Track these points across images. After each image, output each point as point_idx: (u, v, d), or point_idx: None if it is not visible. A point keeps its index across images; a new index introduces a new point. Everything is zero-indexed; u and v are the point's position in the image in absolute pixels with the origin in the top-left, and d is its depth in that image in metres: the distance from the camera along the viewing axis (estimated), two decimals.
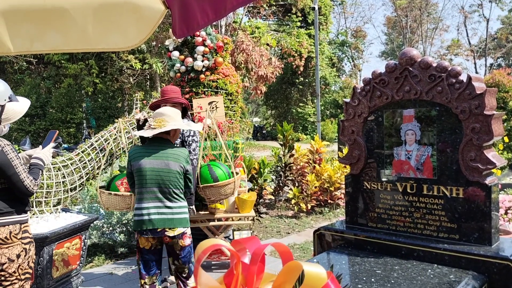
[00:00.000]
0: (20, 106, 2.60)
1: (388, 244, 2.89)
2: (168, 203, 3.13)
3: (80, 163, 4.07)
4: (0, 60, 17.22)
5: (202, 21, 1.83)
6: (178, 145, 3.87)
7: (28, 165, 2.67)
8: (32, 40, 2.10)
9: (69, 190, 3.97)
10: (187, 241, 3.21)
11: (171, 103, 3.76)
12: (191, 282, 3.27)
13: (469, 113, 2.68)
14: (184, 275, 3.25)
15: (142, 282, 3.19)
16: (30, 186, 2.49)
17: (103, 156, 4.19)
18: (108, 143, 4.26)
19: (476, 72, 38.28)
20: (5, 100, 2.50)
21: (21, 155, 2.78)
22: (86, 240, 3.92)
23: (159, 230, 3.08)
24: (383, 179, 3.09)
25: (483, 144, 2.65)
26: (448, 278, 2.42)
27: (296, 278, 1.07)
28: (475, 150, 2.68)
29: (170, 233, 3.11)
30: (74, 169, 4.02)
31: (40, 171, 2.65)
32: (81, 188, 4.12)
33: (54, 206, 3.87)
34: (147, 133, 3.13)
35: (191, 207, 3.85)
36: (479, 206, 2.69)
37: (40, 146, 2.81)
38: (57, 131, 2.92)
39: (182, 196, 3.22)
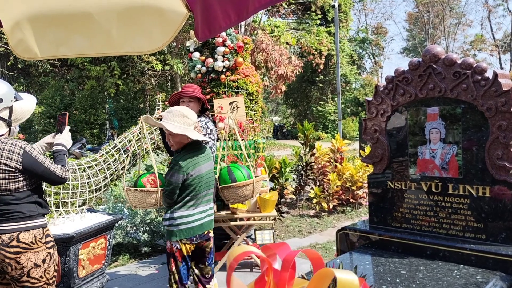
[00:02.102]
0: (28, 105, 2.56)
1: (413, 244, 2.85)
2: (211, 204, 3.21)
3: (104, 164, 4.14)
4: (25, 64, 17.63)
5: (224, 24, 1.84)
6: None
7: (52, 153, 2.67)
8: (58, 45, 2.14)
9: (94, 190, 4.04)
10: (212, 241, 3.28)
11: (188, 97, 3.78)
12: (212, 285, 3.26)
13: (496, 111, 2.62)
14: (208, 277, 3.23)
15: None
16: (62, 174, 2.51)
17: (127, 157, 4.25)
18: (132, 144, 4.32)
19: (501, 68, 37.44)
20: (11, 100, 2.47)
21: (39, 144, 2.77)
22: (111, 240, 3.98)
23: (205, 233, 3.12)
24: (407, 178, 3.05)
25: (510, 142, 2.59)
26: (475, 279, 2.38)
27: (327, 285, 1.07)
28: (502, 148, 2.62)
29: (211, 233, 3.18)
30: (99, 170, 4.09)
31: (65, 156, 2.64)
32: (105, 188, 4.19)
33: (79, 206, 3.95)
34: (199, 136, 3.07)
35: None
36: (506, 205, 2.64)
37: (54, 134, 2.77)
38: (67, 113, 2.87)
39: None
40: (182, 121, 3.01)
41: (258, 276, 1.16)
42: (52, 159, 2.61)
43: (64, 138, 2.72)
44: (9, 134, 2.52)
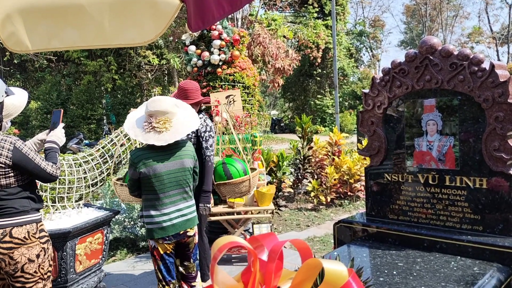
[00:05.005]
0: (19, 100, 2.52)
1: (410, 236, 2.85)
2: (186, 203, 3.03)
3: (100, 158, 4.12)
4: (22, 59, 17.54)
5: (218, 14, 1.82)
6: (192, 140, 3.74)
7: (44, 150, 2.64)
8: (49, 38, 2.12)
9: (90, 185, 4.02)
10: (197, 238, 3.17)
11: (195, 104, 3.61)
12: (197, 282, 3.19)
13: (492, 102, 2.61)
14: (194, 275, 3.16)
15: None
16: (53, 171, 2.48)
17: (123, 151, 4.23)
18: (128, 139, 4.29)
19: (498, 60, 37.44)
20: (2, 96, 2.43)
21: (33, 141, 2.75)
22: (108, 235, 3.97)
23: (181, 232, 2.99)
24: (404, 171, 3.04)
25: (507, 133, 2.58)
26: (472, 271, 2.38)
27: (315, 275, 1.05)
28: (499, 139, 2.61)
29: (191, 233, 3.05)
30: (95, 164, 4.07)
31: (57, 153, 2.61)
32: (102, 183, 4.17)
33: (76, 201, 3.93)
34: (154, 139, 2.80)
35: (207, 205, 3.67)
36: (503, 196, 2.63)
37: (48, 131, 2.74)
38: (62, 110, 2.83)
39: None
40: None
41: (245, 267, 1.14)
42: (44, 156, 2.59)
43: (57, 136, 2.69)
44: (0, 129, 2.50)
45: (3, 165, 2.37)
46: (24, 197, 2.47)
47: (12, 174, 2.41)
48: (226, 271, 1.17)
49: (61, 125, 2.75)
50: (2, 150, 2.37)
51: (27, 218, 2.45)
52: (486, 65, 2.64)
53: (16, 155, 2.39)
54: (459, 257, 2.59)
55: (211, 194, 3.92)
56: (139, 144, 4.32)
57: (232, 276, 1.16)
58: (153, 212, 2.93)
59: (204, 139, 3.72)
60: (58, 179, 3.77)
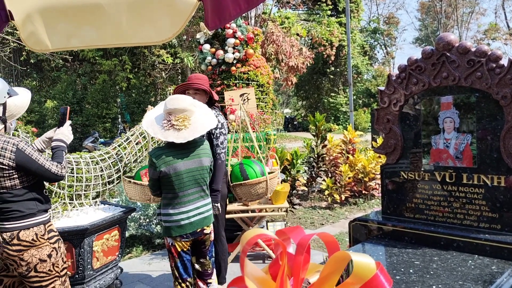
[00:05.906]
0: (22, 100, 2.50)
1: (427, 234, 2.83)
2: (204, 201, 3.05)
3: (117, 156, 4.17)
4: (38, 58, 17.78)
5: (234, 12, 1.82)
6: (205, 137, 3.63)
7: (51, 148, 2.63)
8: (68, 37, 2.14)
9: (107, 183, 4.07)
10: (212, 236, 3.18)
11: (193, 89, 3.55)
12: (213, 280, 3.20)
13: (511, 99, 2.57)
14: (209, 272, 3.16)
15: (184, 286, 3.04)
16: (58, 171, 2.45)
17: (139, 149, 4.27)
18: (144, 137, 4.33)
19: None
20: (4, 97, 2.41)
21: (41, 139, 2.75)
22: (124, 232, 4.02)
23: (199, 230, 3.00)
24: (421, 169, 3.02)
25: None
26: (490, 269, 2.35)
27: (343, 268, 1.06)
28: None
29: (207, 230, 3.07)
30: (112, 162, 4.11)
31: (63, 152, 2.58)
32: (118, 181, 4.21)
33: (93, 199, 3.98)
34: (173, 136, 2.83)
35: (216, 204, 3.51)
36: None
37: (56, 128, 2.72)
38: (68, 107, 2.79)
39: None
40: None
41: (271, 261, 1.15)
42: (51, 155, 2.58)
43: (63, 133, 2.66)
44: (5, 131, 2.50)
45: (6, 167, 2.35)
46: (30, 199, 2.45)
47: (16, 175, 2.39)
48: (238, 268, 1.18)
49: (68, 122, 2.72)
50: (5, 152, 2.35)
51: (34, 221, 2.44)
52: (504, 61, 2.60)
53: (19, 156, 2.36)
54: (476, 255, 2.56)
55: (227, 193, 3.90)
56: (154, 143, 4.36)
57: None
58: (171, 211, 2.94)
59: (215, 136, 3.59)
60: (75, 177, 3.83)
